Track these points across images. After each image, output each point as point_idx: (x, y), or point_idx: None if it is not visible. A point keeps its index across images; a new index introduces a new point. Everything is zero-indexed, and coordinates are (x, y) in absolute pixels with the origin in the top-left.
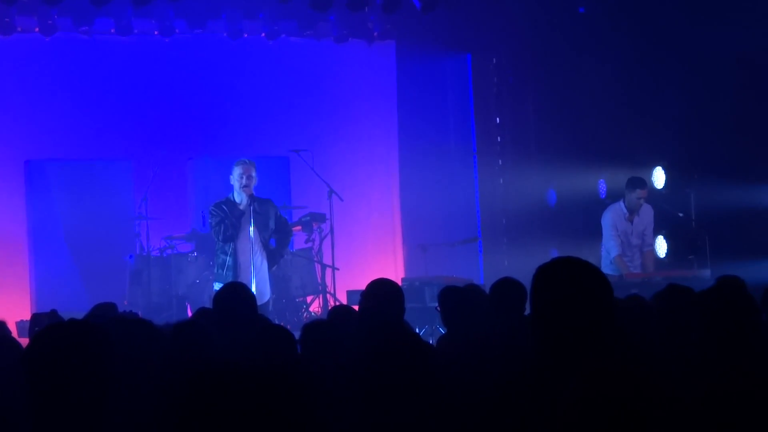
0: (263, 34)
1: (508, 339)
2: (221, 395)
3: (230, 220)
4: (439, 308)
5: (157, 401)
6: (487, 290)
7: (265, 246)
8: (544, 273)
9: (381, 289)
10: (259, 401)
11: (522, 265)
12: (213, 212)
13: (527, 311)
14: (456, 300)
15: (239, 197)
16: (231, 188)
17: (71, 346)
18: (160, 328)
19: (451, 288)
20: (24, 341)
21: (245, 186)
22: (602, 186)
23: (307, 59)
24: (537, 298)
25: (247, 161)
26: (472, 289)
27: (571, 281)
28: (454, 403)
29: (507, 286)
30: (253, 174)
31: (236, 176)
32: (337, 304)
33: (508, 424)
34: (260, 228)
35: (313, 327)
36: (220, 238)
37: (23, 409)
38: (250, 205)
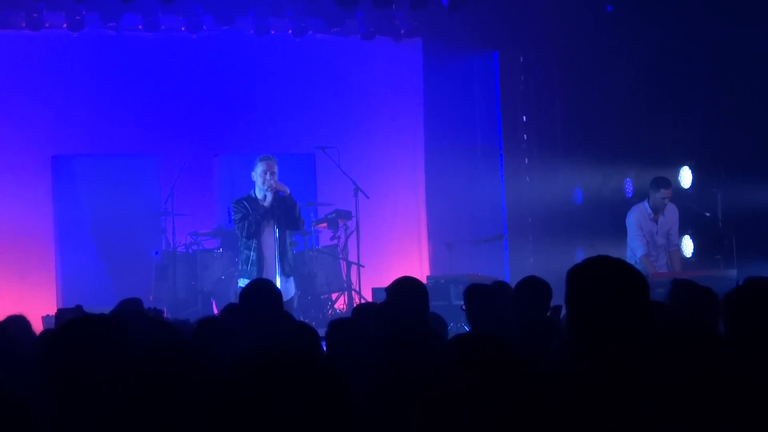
0: (290, 31)
1: (531, 338)
2: (241, 389)
3: (254, 217)
4: (464, 306)
5: (175, 394)
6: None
7: (289, 246)
8: (581, 272)
9: (405, 287)
10: (278, 396)
11: (548, 263)
12: (235, 209)
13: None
14: (481, 298)
15: (261, 193)
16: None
17: (89, 341)
18: (180, 327)
19: (476, 286)
20: None
21: (270, 182)
22: (629, 185)
23: (333, 56)
24: (575, 298)
25: (270, 157)
26: (498, 287)
27: (608, 279)
28: (474, 400)
29: (532, 285)
30: (276, 170)
31: (259, 172)
32: (362, 301)
33: (532, 421)
34: (281, 224)
35: (340, 324)
36: (244, 234)
37: (43, 403)
38: (274, 201)
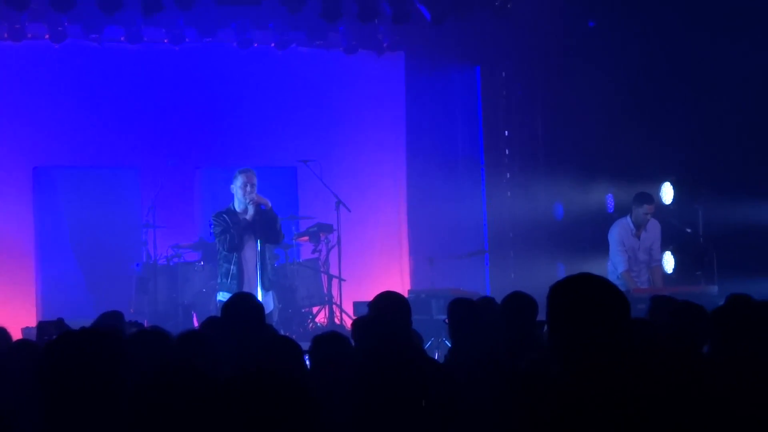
0: (273, 44)
1: (518, 353)
2: (223, 403)
3: (235, 230)
4: (447, 320)
5: (161, 408)
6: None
7: (269, 259)
8: (562, 289)
9: (388, 301)
10: (261, 410)
11: (528, 278)
12: (215, 221)
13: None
14: (464, 312)
15: (241, 206)
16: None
17: (85, 355)
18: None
19: (460, 300)
20: None
21: (252, 195)
22: (610, 200)
23: (316, 69)
24: (556, 315)
25: (249, 170)
26: (483, 303)
27: (589, 298)
28: (458, 416)
29: (519, 300)
30: (255, 182)
31: (239, 185)
32: (343, 315)
33: None
34: (262, 237)
35: (323, 340)
36: (225, 247)
37: (35, 416)
38: (256, 215)
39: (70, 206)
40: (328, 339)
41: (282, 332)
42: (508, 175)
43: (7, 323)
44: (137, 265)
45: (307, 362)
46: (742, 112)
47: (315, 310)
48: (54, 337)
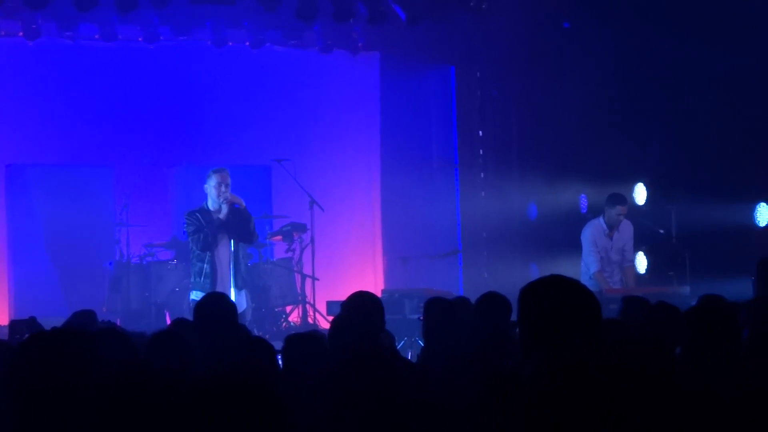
0: (248, 43)
1: (490, 353)
2: (197, 406)
3: (209, 229)
4: (422, 318)
5: (134, 411)
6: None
7: (242, 258)
8: (533, 291)
9: (360, 301)
10: (234, 412)
11: (502, 278)
12: (188, 220)
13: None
14: (440, 312)
15: (215, 205)
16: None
17: (57, 355)
18: (135, 339)
19: (436, 299)
20: None
21: (225, 195)
22: (583, 201)
23: (291, 69)
24: (527, 317)
25: (223, 169)
26: (459, 303)
27: (559, 300)
28: (431, 417)
29: (494, 300)
30: (229, 182)
31: (213, 184)
32: (316, 314)
33: None
34: (235, 236)
35: (296, 340)
36: (199, 246)
37: (6, 415)
38: (229, 214)
39: (43, 204)
40: (301, 338)
41: (255, 331)
42: (482, 175)
43: None
44: (110, 263)
45: (280, 362)
46: (715, 114)
47: (288, 309)
48: (26, 335)
